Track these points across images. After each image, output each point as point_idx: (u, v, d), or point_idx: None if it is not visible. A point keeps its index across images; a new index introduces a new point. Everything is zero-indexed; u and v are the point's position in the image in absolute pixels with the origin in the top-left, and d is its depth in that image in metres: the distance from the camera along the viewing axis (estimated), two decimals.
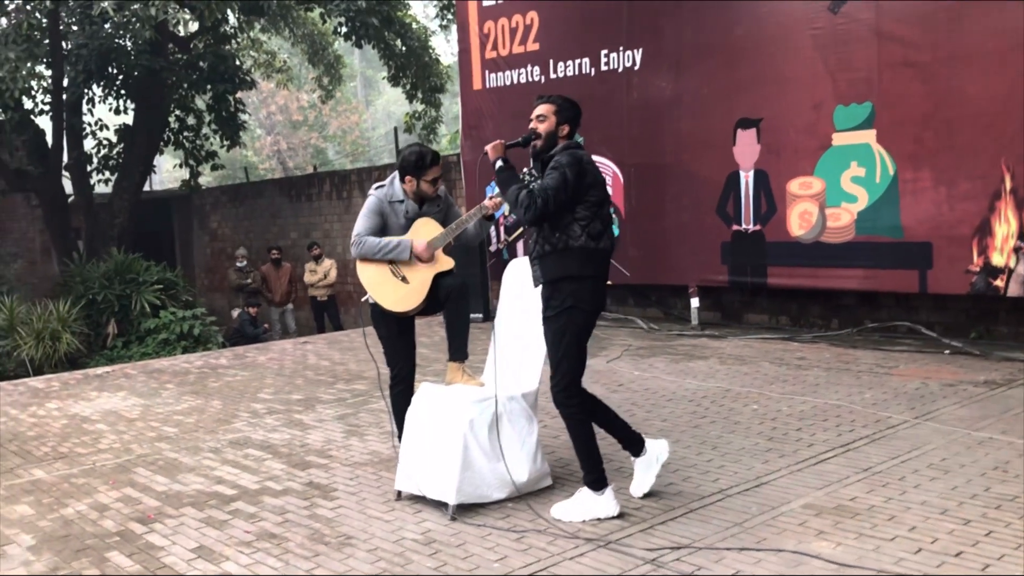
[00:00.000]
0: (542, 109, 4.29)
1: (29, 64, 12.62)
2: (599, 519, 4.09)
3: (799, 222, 8.53)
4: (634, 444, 4.39)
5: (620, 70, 9.78)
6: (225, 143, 16.93)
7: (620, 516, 4.11)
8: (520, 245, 10.98)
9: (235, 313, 15.04)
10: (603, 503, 4.12)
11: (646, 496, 4.36)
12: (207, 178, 20.05)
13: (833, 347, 8.05)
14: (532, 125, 4.29)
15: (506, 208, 4.82)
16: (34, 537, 4.38)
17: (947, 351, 7.53)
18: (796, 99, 8.46)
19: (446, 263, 4.86)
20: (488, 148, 4.38)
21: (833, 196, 8.28)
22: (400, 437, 4.70)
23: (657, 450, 4.40)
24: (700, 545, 3.78)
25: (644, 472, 4.40)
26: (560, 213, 4.08)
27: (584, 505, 4.14)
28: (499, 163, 4.33)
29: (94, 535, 4.35)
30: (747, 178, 8.89)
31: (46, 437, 6.42)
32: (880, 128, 7.91)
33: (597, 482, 4.13)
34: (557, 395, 4.16)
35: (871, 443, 5.11)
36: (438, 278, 4.82)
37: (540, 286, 4.24)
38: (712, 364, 7.58)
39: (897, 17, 7.74)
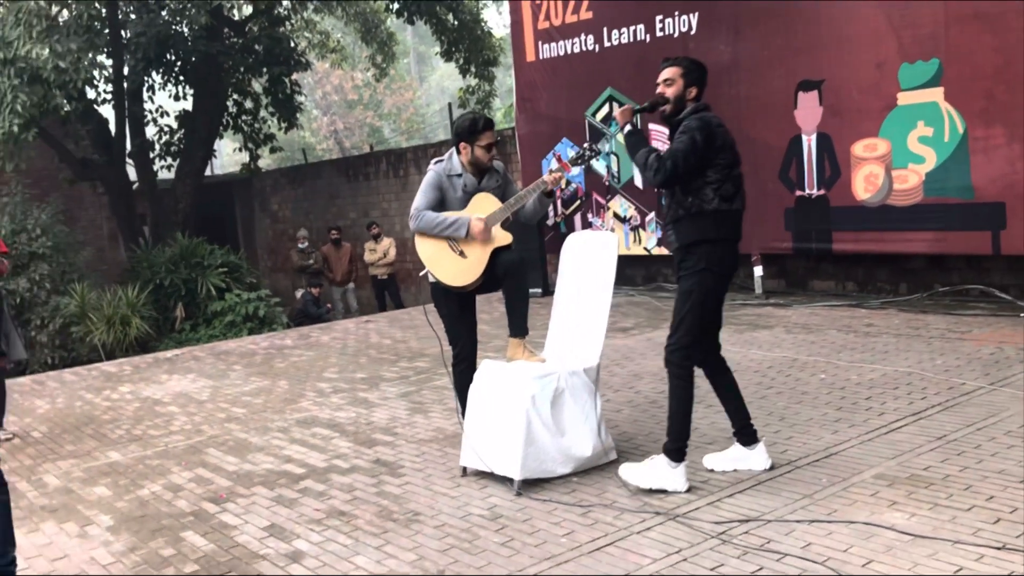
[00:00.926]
0: (668, 73, 4.21)
1: (91, 54, 12.87)
2: (665, 491, 4.05)
3: (864, 185, 8.31)
4: (745, 435, 4.32)
5: (676, 35, 9.61)
6: (283, 125, 17.10)
7: (688, 491, 4.07)
8: (577, 219, 10.91)
9: (298, 294, 15.25)
10: (675, 476, 4.08)
11: (709, 471, 4.31)
12: (266, 160, 20.28)
13: (902, 313, 7.85)
14: (659, 90, 4.22)
15: (563, 182, 4.79)
16: (112, 517, 4.50)
17: (1022, 314, 7.29)
18: (859, 59, 8.22)
19: (504, 238, 4.83)
20: (616, 114, 4.36)
21: (900, 157, 8.04)
22: (464, 414, 4.72)
23: (761, 458, 4.31)
24: (769, 518, 3.72)
25: (732, 460, 4.32)
26: (691, 177, 4.05)
27: (656, 472, 4.10)
28: (627, 127, 4.31)
29: (169, 515, 4.46)
30: (810, 142, 8.68)
31: (120, 420, 6.59)
32: (948, 85, 7.65)
33: (677, 452, 4.09)
34: (670, 354, 4.12)
35: (944, 411, 4.98)
36: (496, 254, 4.80)
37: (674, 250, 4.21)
38: (777, 333, 7.45)
39: None
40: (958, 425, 4.70)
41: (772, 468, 4.27)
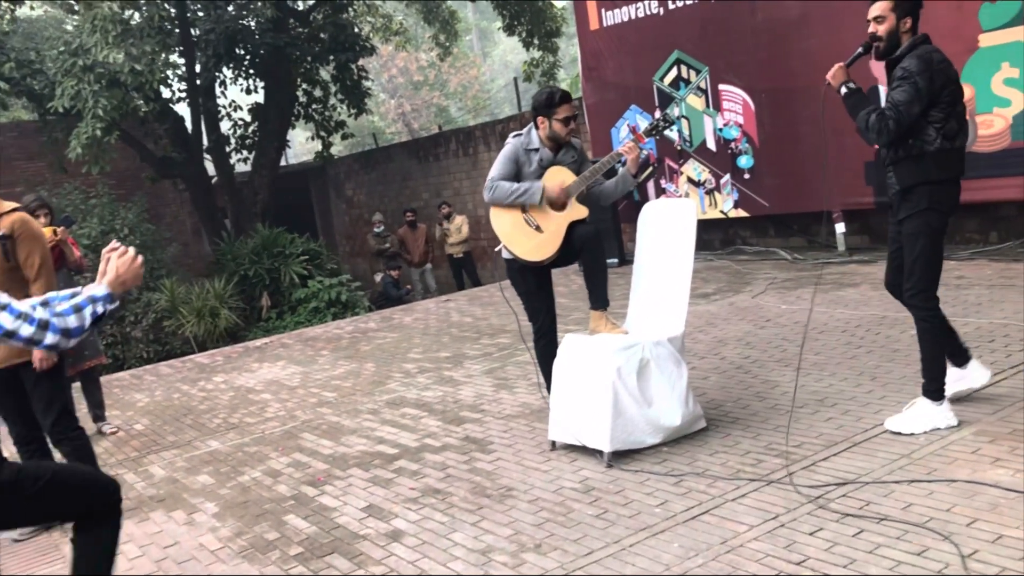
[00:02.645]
0: (878, 9, 4.01)
1: (164, 55, 13.19)
2: (939, 428, 4.03)
3: None
4: (957, 356, 4.29)
5: None
6: (352, 111, 17.28)
7: (959, 425, 4.05)
8: (650, 185, 10.80)
9: (378, 277, 15.48)
10: (942, 412, 4.07)
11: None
12: (338, 147, 20.55)
13: (994, 263, 7.60)
14: (871, 28, 4.04)
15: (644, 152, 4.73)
16: (217, 504, 4.67)
17: None
18: (937, 2, 7.91)
19: (579, 211, 4.82)
20: (828, 76, 4.15)
21: (984, 102, 7.74)
22: (548, 389, 4.74)
23: (977, 374, 4.31)
24: (867, 480, 3.67)
25: (926, 417, 4.19)
26: (914, 122, 3.91)
27: (924, 415, 4.08)
28: (843, 89, 4.12)
29: (270, 500, 4.60)
30: (887, 91, 8.40)
31: (216, 409, 6.81)
32: None
33: (937, 392, 4.07)
34: (911, 298, 4.07)
35: None
36: (571, 227, 4.79)
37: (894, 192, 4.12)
38: (864, 291, 7.29)
39: None
40: None
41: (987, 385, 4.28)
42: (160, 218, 17.41)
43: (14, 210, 4.36)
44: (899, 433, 4.08)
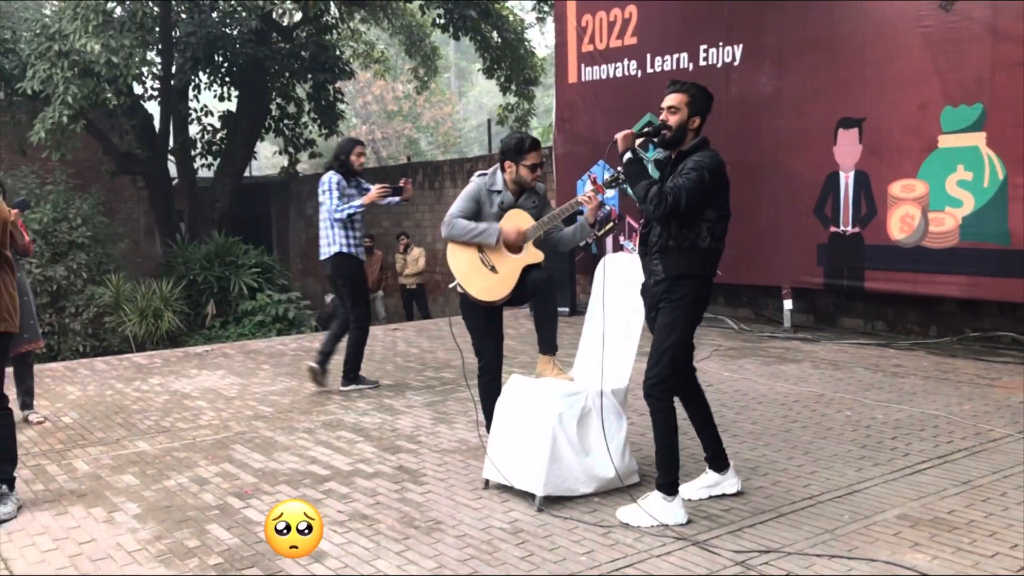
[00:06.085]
0: (673, 100, 4.15)
1: (142, 51, 13.12)
2: (667, 526, 4.02)
3: (900, 225, 8.30)
4: (718, 460, 4.37)
5: (719, 65, 9.66)
6: (323, 131, 17.30)
7: (687, 523, 4.03)
8: (609, 241, 10.95)
9: (328, 298, 15.37)
10: (673, 509, 4.05)
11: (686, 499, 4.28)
12: (304, 165, 20.49)
13: (931, 355, 7.82)
14: (663, 117, 4.16)
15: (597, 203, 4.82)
16: (139, 506, 4.58)
17: None
18: (901, 99, 8.23)
19: (535, 256, 4.89)
20: (618, 137, 4.24)
21: (937, 200, 8.03)
22: (488, 427, 4.76)
23: (732, 481, 4.38)
24: (790, 550, 3.73)
25: (707, 487, 4.36)
26: (691, 212, 4.02)
27: (653, 510, 4.06)
28: (628, 155, 4.21)
29: (195, 507, 4.53)
30: (847, 179, 8.69)
31: (149, 411, 6.70)
32: (991, 131, 7.63)
33: (670, 486, 4.07)
34: (651, 388, 4.09)
35: (970, 456, 4.96)
36: (526, 271, 4.86)
37: (653, 280, 4.18)
38: (804, 368, 7.44)
39: (1014, 15, 7.44)
40: (984, 471, 4.69)
41: (740, 493, 4.34)
42: (114, 213, 17.16)
43: None
44: (627, 524, 4.05)
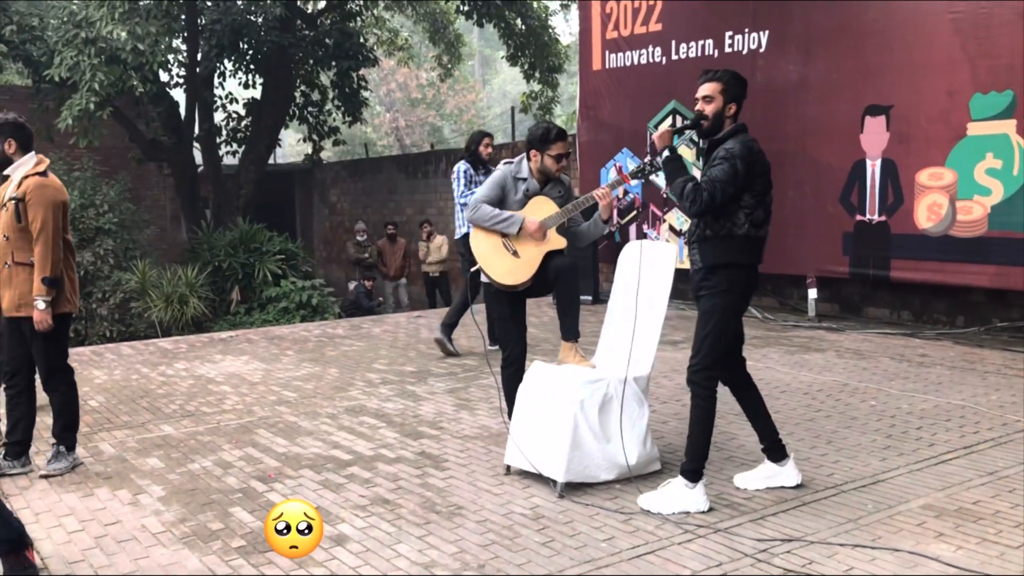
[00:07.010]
0: (708, 89, 4.13)
1: (167, 39, 13.18)
2: (687, 512, 4.01)
3: (927, 214, 8.20)
4: (775, 451, 4.33)
5: (745, 52, 9.57)
6: (347, 119, 17.32)
7: (709, 511, 4.03)
8: (632, 228, 10.91)
9: (351, 285, 15.46)
10: (694, 496, 4.05)
11: (739, 490, 4.29)
12: (328, 153, 20.57)
13: (958, 345, 7.74)
14: (699, 107, 4.15)
15: (619, 191, 4.82)
16: (164, 488, 4.62)
17: None
18: (930, 86, 8.12)
19: (558, 242, 4.88)
20: (655, 137, 4.26)
21: (965, 189, 7.92)
22: (510, 415, 4.76)
23: (791, 473, 4.33)
24: (812, 539, 3.71)
25: (764, 478, 4.33)
26: (726, 201, 4.01)
27: (674, 496, 4.06)
28: (666, 153, 4.20)
29: (218, 490, 4.57)
30: (874, 167, 8.59)
31: (174, 395, 6.76)
32: (1021, 118, 7.52)
33: (694, 473, 4.06)
34: (693, 374, 4.10)
35: (996, 446, 4.91)
36: (549, 257, 4.85)
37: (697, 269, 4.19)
38: (829, 357, 7.39)
39: None
40: (1011, 462, 4.64)
41: (800, 486, 4.29)
42: (141, 199, 17.29)
43: (36, 174, 4.72)
44: (648, 511, 4.05)
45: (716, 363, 4.10)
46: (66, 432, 4.99)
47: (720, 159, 4.02)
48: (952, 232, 8.04)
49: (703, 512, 4.02)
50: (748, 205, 4.05)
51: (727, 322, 4.12)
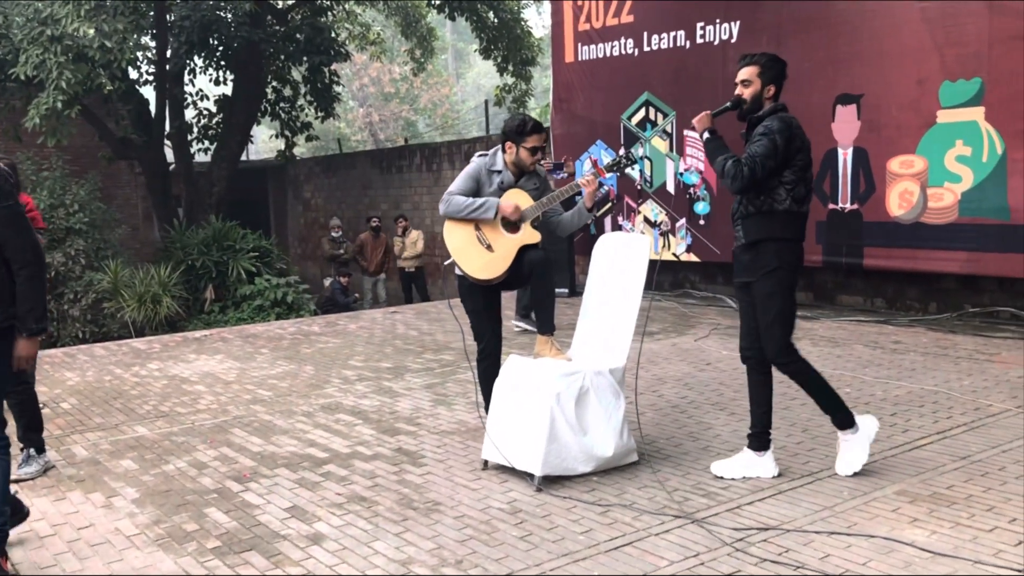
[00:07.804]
0: (746, 73, 4.21)
1: (136, 35, 13.02)
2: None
3: (899, 202, 8.27)
4: (759, 439, 4.36)
5: (716, 43, 9.59)
6: (320, 114, 17.22)
7: (778, 476, 4.27)
8: (607, 221, 10.92)
9: (327, 282, 15.37)
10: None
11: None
12: (301, 149, 20.43)
13: (931, 331, 7.81)
14: (737, 91, 4.23)
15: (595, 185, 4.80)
16: (138, 490, 4.58)
17: None
18: (900, 74, 8.18)
19: (532, 236, 4.85)
20: (695, 121, 4.33)
21: (936, 176, 7.99)
22: (487, 409, 4.75)
23: (769, 465, 4.35)
24: (789, 527, 3.73)
25: (742, 466, 4.34)
26: (767, 177, 4.08)
27: (857, 450, 4.28)
28: (706, 134, 4.30)
29: (193, 491, 4.53)
30: (845, 155, 8.65)
31: (148, 396, 6.69)
32: (989, 105, 7.59)
33: (847, 419, 4.24)
34: (776, 356, 4.19)
35: (969, 431, 4.96)
36: (522, 251, 4.82)
37: (742, 247, 4.27)
38: (803, 346, 7.39)
39: None
40: (983, 446, 4.68)
41: (779, 476, 4.32)
42: (112, 198, 17.11)
43: None
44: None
45: (789, 339, 4.20)
46: (30, 433, 4.91)
47: (759, 135, 4.10)
48: (923, 219, 8.10)
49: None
50: (789, 181, 4.11)
51: (788, 299, 4.19)
